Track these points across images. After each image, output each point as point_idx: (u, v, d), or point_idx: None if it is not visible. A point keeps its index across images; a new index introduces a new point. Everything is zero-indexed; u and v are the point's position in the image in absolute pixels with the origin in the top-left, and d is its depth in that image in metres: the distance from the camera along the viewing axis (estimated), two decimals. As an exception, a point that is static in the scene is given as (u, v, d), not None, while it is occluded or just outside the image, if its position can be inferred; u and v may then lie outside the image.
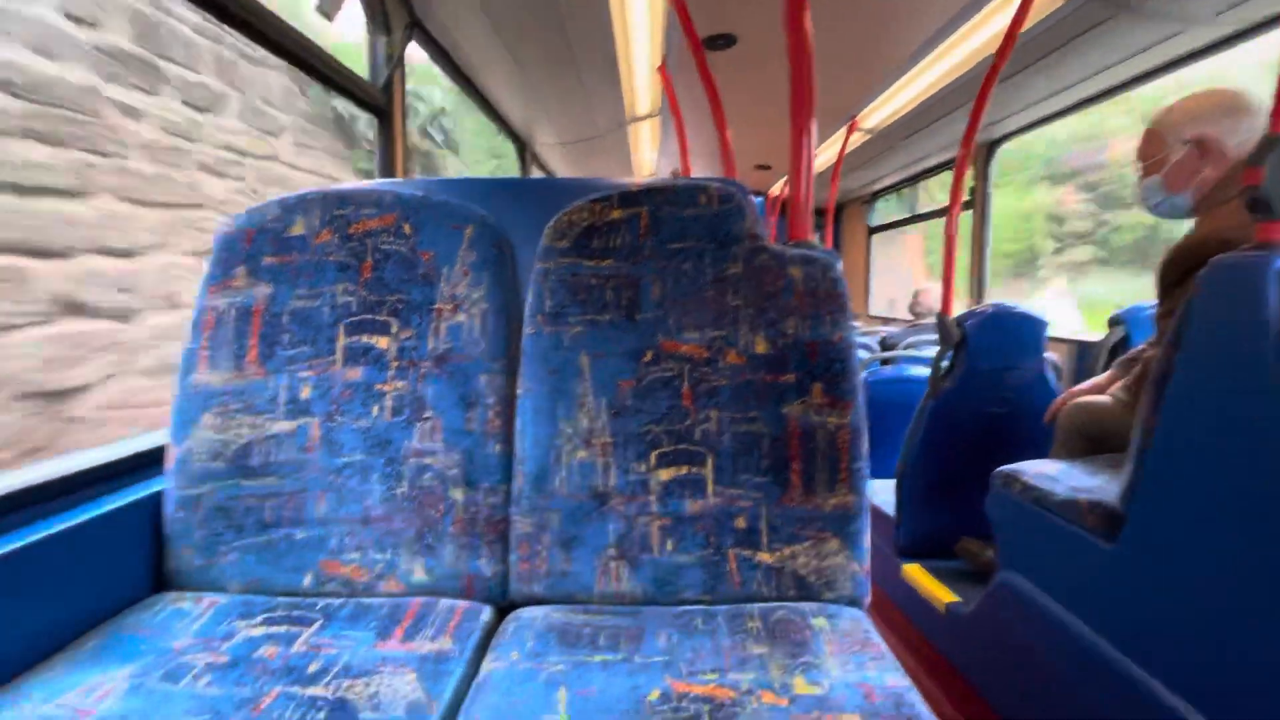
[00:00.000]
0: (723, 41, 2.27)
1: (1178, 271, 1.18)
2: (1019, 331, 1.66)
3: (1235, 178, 1.13)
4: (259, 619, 0.78)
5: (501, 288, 0.93)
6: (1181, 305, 0.92)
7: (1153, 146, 1.27)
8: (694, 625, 0.78)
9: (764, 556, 0.84)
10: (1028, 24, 1.83)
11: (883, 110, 2.96)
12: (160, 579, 0.88)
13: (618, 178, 1.30)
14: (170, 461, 0.89)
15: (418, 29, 1.91)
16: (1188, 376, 0.89)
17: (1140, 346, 1.48)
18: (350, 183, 1.27)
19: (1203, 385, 0.87)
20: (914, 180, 4.38)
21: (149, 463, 0.94)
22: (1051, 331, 1.72)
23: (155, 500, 0.88)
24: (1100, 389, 1.42)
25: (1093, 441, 1.37)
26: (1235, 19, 1.78)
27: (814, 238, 1.02)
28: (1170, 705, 0.85)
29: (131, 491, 0.87)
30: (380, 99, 1.70)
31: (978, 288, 3.25)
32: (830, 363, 0.86)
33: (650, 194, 0.93)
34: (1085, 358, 2.37)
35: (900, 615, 1.78)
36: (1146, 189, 1.30)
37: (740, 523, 0.85)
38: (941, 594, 1.55)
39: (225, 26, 1.17)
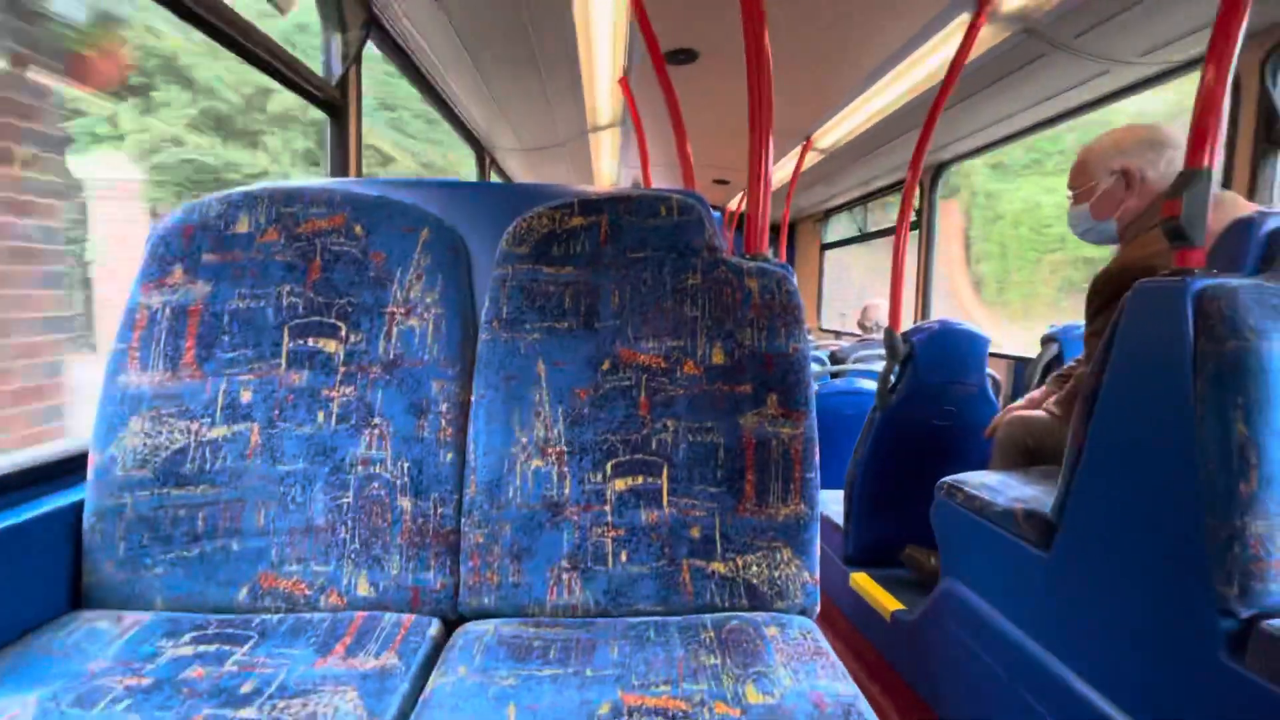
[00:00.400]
0: (684, 56, 2.30)
1: (1104, 296, 1.25)
2: (963, 348, 1.73)
3: (1156, 208, 1.22)
4: (187, 638, 0.74)
5: (456, 292, 0.91)
6: (1108, 327, 0.97)
7: (1081, 177, 1.35)
8: (646, 637, 0.78)
9: (717, 566, 0.85)
10: (971, 55, 1.93)
11: (837, 131, 3.06)
12: (76, 596, 0.81)
13: (578, 186, 1.30)
14: (91, 469, 0.83)
15: (375, 26, 1.87)
16: (1114, 393, 0.95)
17: (1070, 364, 1.57)
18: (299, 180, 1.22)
19: (1127, 402, 0.93)
20: (865, 200, 4.53)
21: (66, 470, 0.87)
22: (992, 348, 1.81)
23: (72, 511, 0.82)
24: (1035, 404, 1.49)
25: (1030, 454, 1.43)
26: (1157, 61, 1.92)
27: (769, 252, 1.03)
28: (1101, 709, 0.89)
29: (46, 502, 0.81)
30: (334, 95, 1.65)
31: (923, 305, 3.38)
32: (785, 374, 0.88)
33: (612, 202, 0.93)
34: (1022, 373, 2.49)
35: (848, 624, 1.82)
36: (1075, 216, 1.38)
37: (694, 533, 0.85)
38: (888, 602, 1.58)
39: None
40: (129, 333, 0.86)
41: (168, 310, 0.87)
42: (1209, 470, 0.78)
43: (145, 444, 0.83)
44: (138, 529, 0.82)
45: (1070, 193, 1.39)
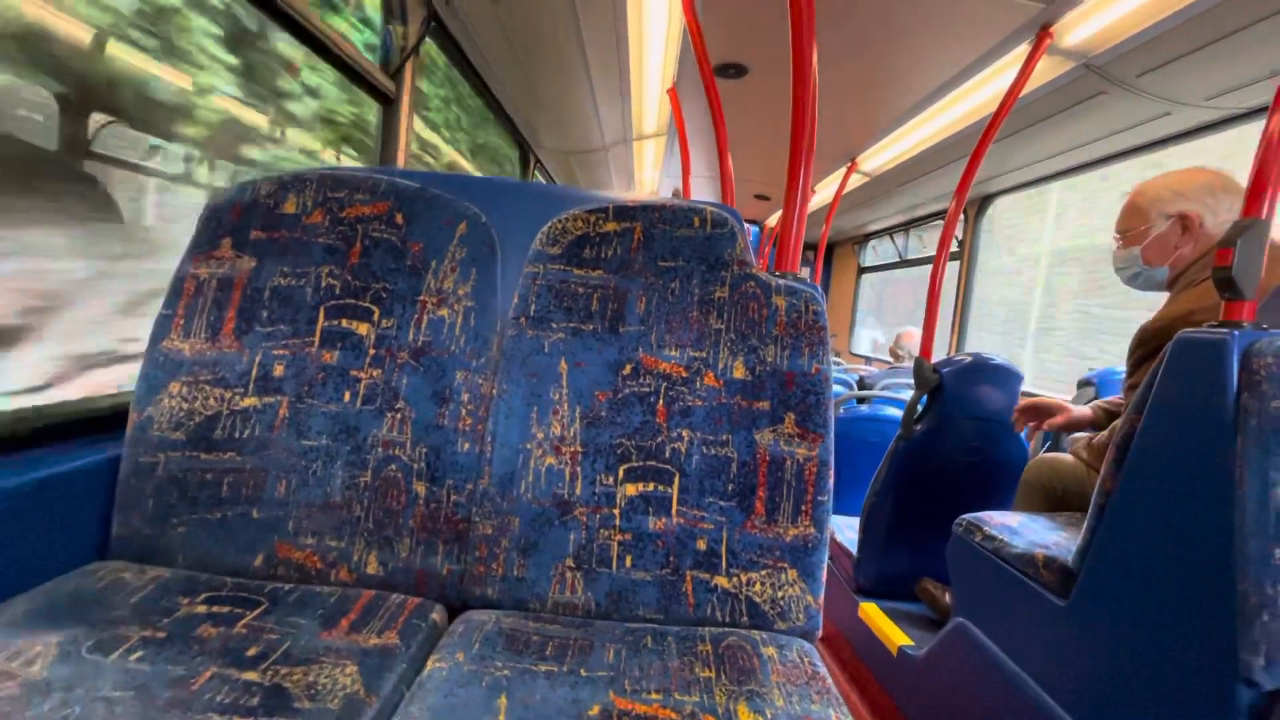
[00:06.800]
0: (733, 71, 2.31)
1: (1147, 349, 1.21)
2: (995, 383, 1.69)
3: (1210, 259, 1.17)
4: (202, 597, 0.76)
5: (488, 287, 0.93)
6: (1148, 374, 0.94)
7: (1134, 219, 1.31)
8: (644, 644, 0.78)
9: (721, 581, 0.84)
10: (1027, 88, 1.89)
11: (883, 155, 3.03)
12: (105, 547, 0.85)
13: (618, 192, 1.31)
14: (130, 426, 0.87)
15: (434, 22, 1.92)
16: (1148, 444, 0.92)
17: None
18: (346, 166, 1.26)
19: (1162, 454, 0.90)
20: (906, 226, 4.47)
21: (107, 426, 0.92)
22: (1025, 386, 1.76)
23: (109, 465, 0.86)
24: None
25: (1056, 498, 1.39)
26: (1224, 106, 1.85)
27: (804, 272, 1.03)
28: None
29: (86, 454, 0.85)
30: (389, 87, 1.70)
31: (958, 337, 3.32)
32: (805, 394, 0.87)
33: (645, 210, 0.94)
34: None
35: (852, 653, 1.78)
36: (1122, 259, 1.33)
37: (700, 544, 0.85)
38: (895, 635, 1.55)
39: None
40: (175, 300, 0.90)
41: (214, 282, 0.90)
42: (1244, 532, 0.75)
43: (181, 408, 0.87)
44: (168, 488, 0.85)
45: (1118, 234, 1.34)
